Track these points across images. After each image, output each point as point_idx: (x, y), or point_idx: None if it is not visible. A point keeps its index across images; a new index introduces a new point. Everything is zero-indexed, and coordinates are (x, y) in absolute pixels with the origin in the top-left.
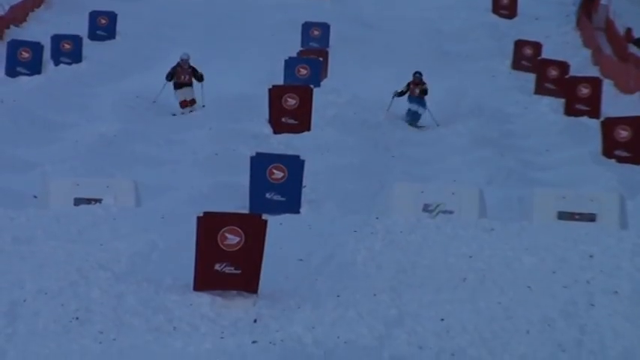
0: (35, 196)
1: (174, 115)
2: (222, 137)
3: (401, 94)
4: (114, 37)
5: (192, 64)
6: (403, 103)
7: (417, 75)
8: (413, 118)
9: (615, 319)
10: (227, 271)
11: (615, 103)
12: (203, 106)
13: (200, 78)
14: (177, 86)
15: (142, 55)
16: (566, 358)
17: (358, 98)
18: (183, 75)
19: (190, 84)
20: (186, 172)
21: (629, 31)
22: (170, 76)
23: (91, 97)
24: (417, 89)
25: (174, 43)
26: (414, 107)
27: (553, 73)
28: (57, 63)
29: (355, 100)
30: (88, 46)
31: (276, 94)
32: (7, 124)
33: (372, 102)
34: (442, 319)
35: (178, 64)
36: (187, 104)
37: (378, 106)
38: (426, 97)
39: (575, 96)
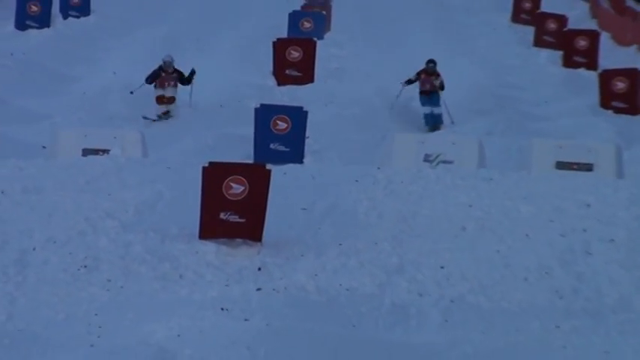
0: (44, 147)
1: (145, 118)
2: (226, 89)
3: (409, 82)
4: None
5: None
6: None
7: (431, 65)
8: (434, 122)
9: (611, 266)
10: (232, 220)
11: (612, 55)
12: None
13: (188, 81)
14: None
15: (148, 9)
16: (563, 305)
17: (361, 52)
18: (167, 82)
19: (172, 99)
20: (191, 124)
21: None
22: (150, 80)
23: (99, 50)
24: (428, 83)
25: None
26: (429, 109)
27: (551, 26)
28: (65, 16)
29: (359, 54)
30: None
31: (280, 46)
32: (16, 77)
33: (375, 55)
34: (442, 267)
35: (161, 68)
36: (164, 101)
37: (380, 59)
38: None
39: (573, 48)
